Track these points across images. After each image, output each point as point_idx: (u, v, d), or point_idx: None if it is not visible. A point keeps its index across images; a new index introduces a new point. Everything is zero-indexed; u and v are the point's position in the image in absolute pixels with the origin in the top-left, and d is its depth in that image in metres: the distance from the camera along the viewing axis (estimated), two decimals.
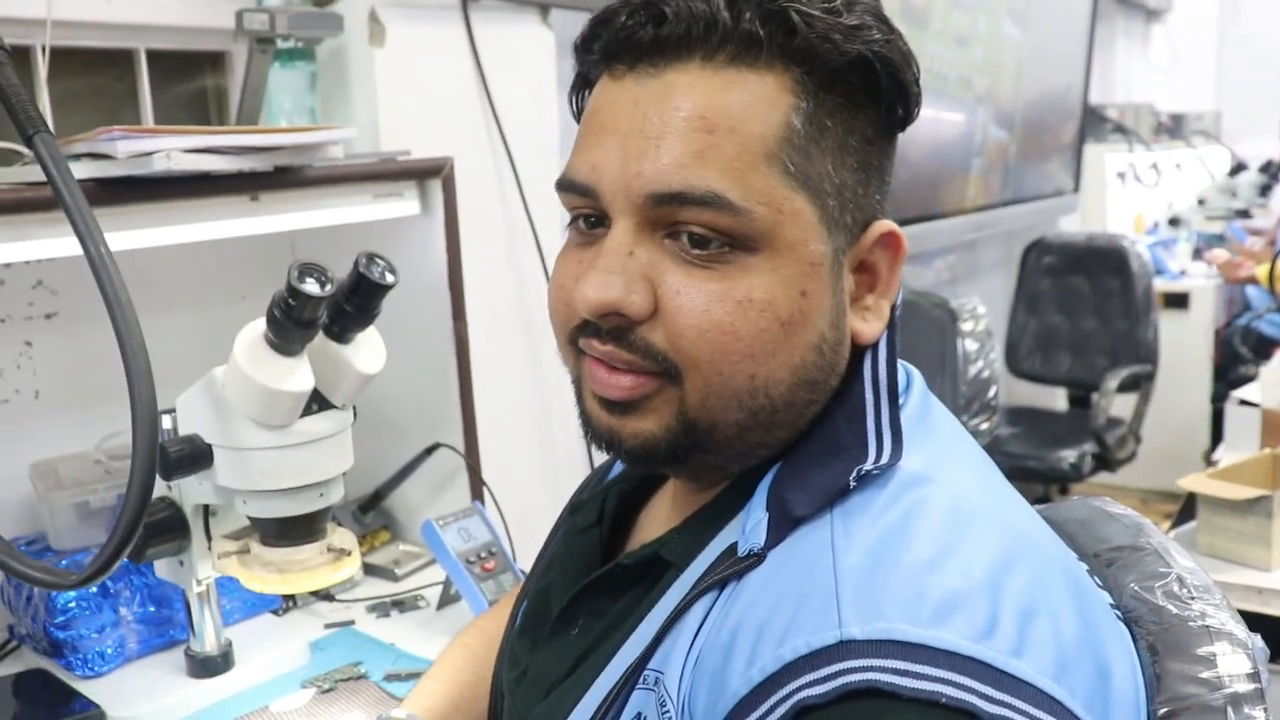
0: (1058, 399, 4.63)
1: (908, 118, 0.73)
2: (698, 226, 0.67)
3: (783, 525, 0.67)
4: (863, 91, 0.70)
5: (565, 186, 0.73)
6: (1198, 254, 5.04)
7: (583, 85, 0.77)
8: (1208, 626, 0.76)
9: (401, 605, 1.59)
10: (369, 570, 1.69)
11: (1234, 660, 0.75)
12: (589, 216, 0.72)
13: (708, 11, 0.67)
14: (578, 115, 0.77)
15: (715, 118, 0.67)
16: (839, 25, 0.67)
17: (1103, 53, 5.41)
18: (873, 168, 0.72)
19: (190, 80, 1.82)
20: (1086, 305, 4.23)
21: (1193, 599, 0.79)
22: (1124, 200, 5.18)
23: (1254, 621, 0.80)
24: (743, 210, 0.66)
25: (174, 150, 1.20)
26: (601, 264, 0.68)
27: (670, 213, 0.67)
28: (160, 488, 1.24)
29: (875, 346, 0.74)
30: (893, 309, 0.76)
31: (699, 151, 0.66)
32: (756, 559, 0.66)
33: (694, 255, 0.67)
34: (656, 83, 0.68)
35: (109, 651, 1.36)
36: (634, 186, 0.67)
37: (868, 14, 0.69)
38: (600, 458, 0.90)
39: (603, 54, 0.72)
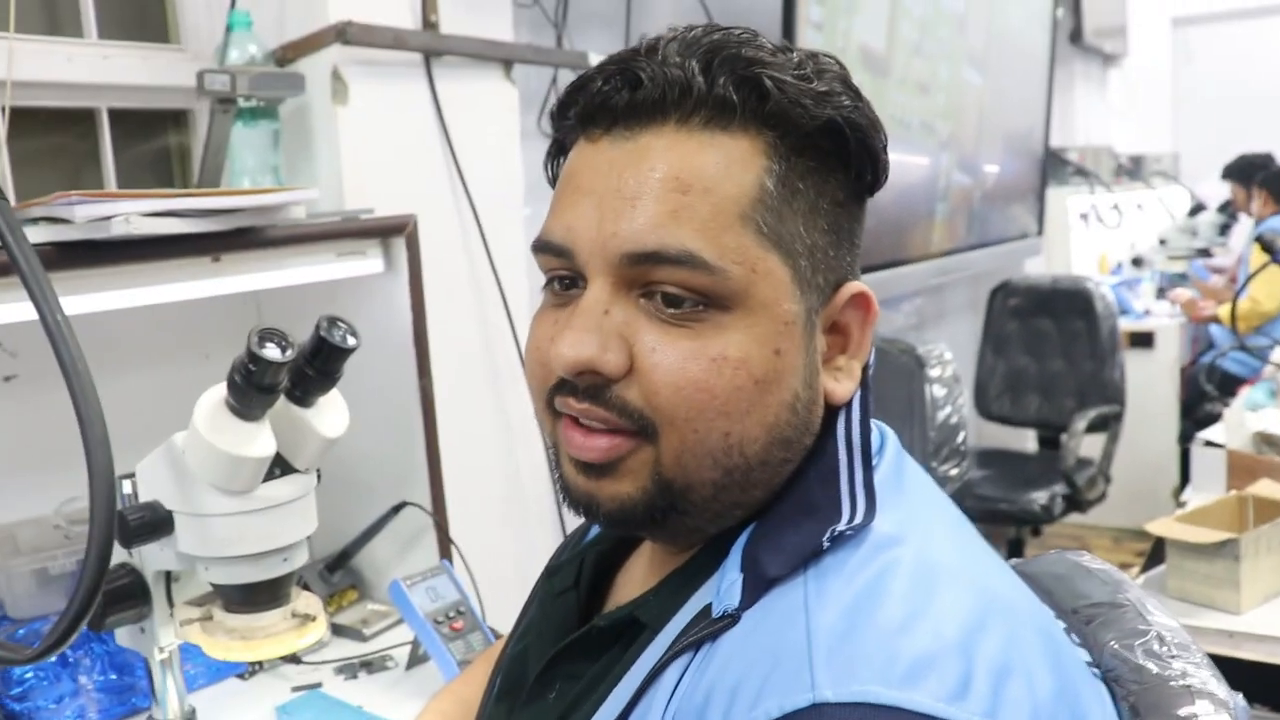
0: (1027, 440, 4.65)
1: (876, 183, 0.75)
2: (672, 285, 0.68)
3: (757, 586, 0.67)
4: (833, 156, 0.71)
5: (541, 248, 0.73)
6: (1161, 293, 5.10)
7: (558, 152, 0.78)
8: (1189, 686, 0.76)
9: (370, 666, 1.57)
10: (337, 630, 1.67)
11: None
12: (564, 278, 0.73)
13: (682, 77, 0.68)
14: (553, 181, 0.78)
15: (690, 178, 0.68)
16: (810, 91, 0.69)
17: (1062, 96, 5.50)
18: (843, 230, 0.73)
19: (153, 138, 1.82)
20: (1053, 346, 4.27)
21: (1173, 657, 0.79)
22: (1087, 241, 5.25)
23: (1225, 665, 0.80)
24: (717, 269, 0.67)
25: (133, 214, 1.19)
26: (577, 323, 0.69)
27: (645, 272, 0.68)
28: (120, 554, 1.22)
29: (849, 407, 0.75)
30: (865, 369, 0.76)
31: (674, 211, 0.67)
32: (731, 620, 0.66)
33: (669, 314, 0.68)
34: (632, 145, 0.70)
35: None
36: (610, 246, 0.68)
37: (836, 81, 0.71)
38: (571, 514, 0.90)
39: (579, 118, 0.73)
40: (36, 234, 1.19)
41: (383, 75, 1.78)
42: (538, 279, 0.77)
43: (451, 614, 1.48)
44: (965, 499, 3.42)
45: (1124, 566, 0.90)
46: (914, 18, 3.33)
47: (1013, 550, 3.96)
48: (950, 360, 3.02)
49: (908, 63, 3.33)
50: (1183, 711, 0.74)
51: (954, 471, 2.90)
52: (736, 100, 0.68)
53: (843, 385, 0.74)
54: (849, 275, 0.74)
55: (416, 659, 1.55)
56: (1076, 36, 5.63)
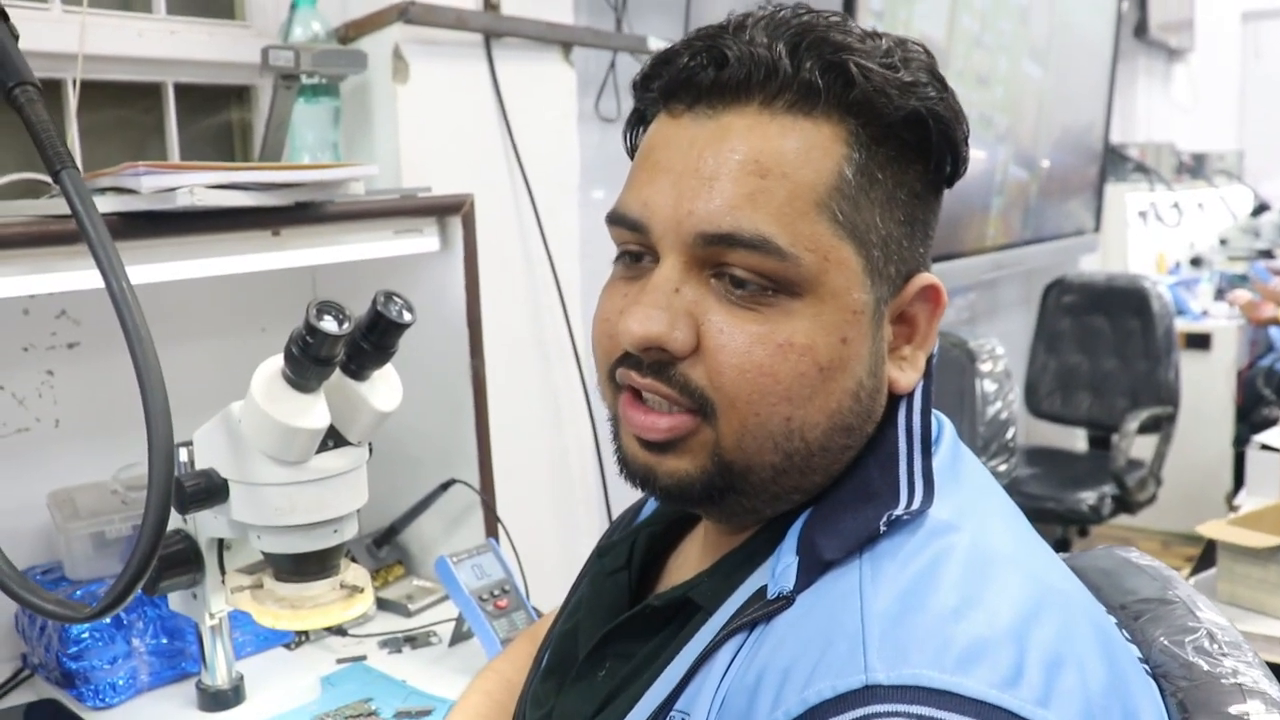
0: (1078, 440, 4.59)
1: (955, 175, 0.75)
2: (744, 269, 0.68)
3: (812, 569, 0.67)
4: (914, 147, 0.71)
5: (616, 220, 0.74)
6: (1220, 294, 5.01)
7: (638, 122, 0.78)
8: (1240, 684, 0.75)
9: (414, 641, 1.59)
10: (382, 605, 1.69)
11: None
12: (636, 252, 0.73)
13: (769, 58, 0.68)
14: (631, 151, 0.78)
15: (769, 162, 0.68)
16: (896, 80, 0.69)
17: (1124, 92, 5.40)
18: (918, 221, 0.73)
19: (216, 114, 1.84)
20: (1107, 345, 4.21)
21: (1224, 655, 0.78)
22: (1145, 240, 5.15)
23: (1275, 672, 0.79)
24: (790, 255, 0.67)
25: (197, 186, 1.21)
26: (647, 299, 0.69)
27: (718, 253, 0.68)
28: (175, 520, 1.25)
29: (910, 396, 0.75)
30: (929, 360, 0.76)
31: (751, 195, 0.67)
32: (785, 601, 0.66)
33: (738, 296, 0.68)
34: (714, 124, 0.70)
35: (120, 683, 1.36)
36: (685, 225, 0.68)
37: (923, 71, 0.71)
38: (617, 496, 0.90)
39: (662, 92, 0.73)
40: (104, 204, 1.21)
41: (443, 55, 1.79)
42: (591, 262, 0.78)
43: (496, 592, 1.50)
44: (1013, 496, 3.37)
45: None
46: (975, 9, 3.29)
47: (1059, 550, 3.89)
48: (1002, 355, 2.99)
49: (967, 54, 3.29)
50: (1234, 709, 0.74)
51: (1002, 468, 2.88)
52: (822, 85, 0.68)
53: (907, 375, 0.74)
54: (920, 266, 0.74)
55: (460, 636, 1.57)
56: (1141, 30, 5.53)
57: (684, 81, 0.71)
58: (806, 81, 0.68)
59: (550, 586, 1.13)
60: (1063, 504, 3.63)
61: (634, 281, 0.73)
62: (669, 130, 0.72)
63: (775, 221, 0.67)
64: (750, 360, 0.67)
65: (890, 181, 0.71)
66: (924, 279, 0.74)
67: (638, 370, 0.71)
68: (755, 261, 0.67)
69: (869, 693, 0.58)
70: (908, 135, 0.70)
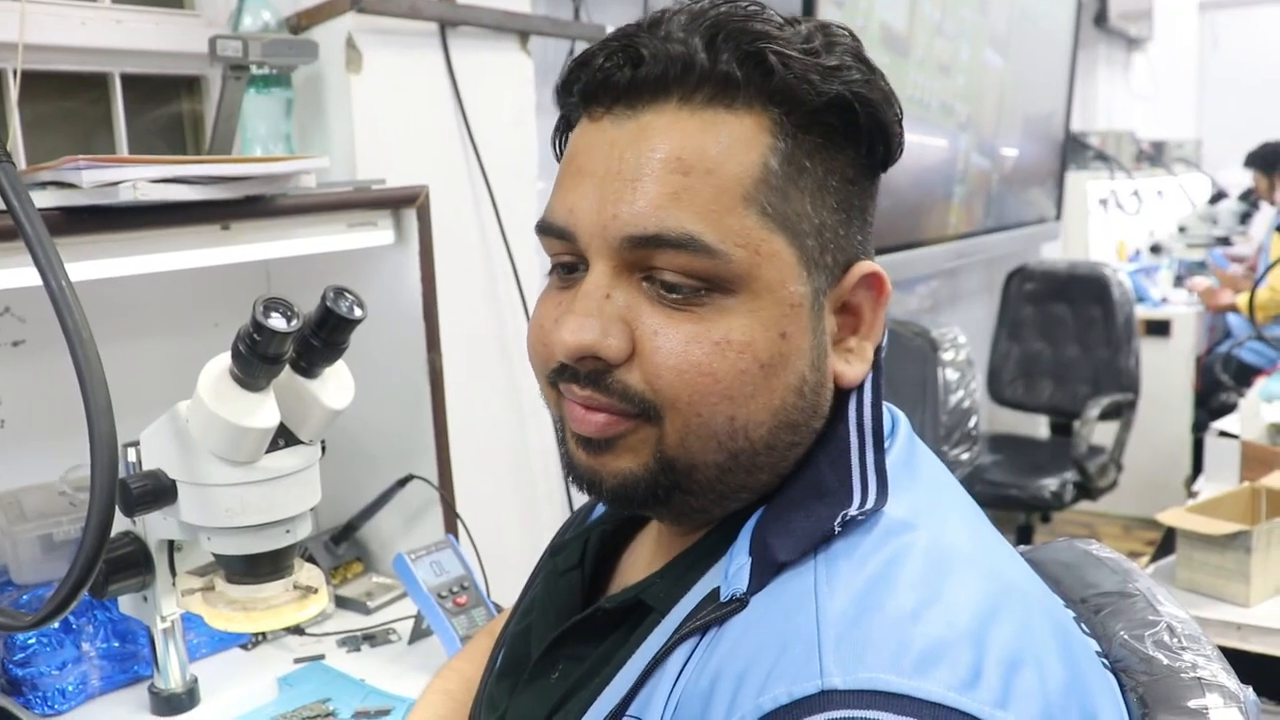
0: (1040, 426, 4.63)
1: (889, 158, 0.73)
2: (673, 270, 0.66)
3: (765, 570, 0.66)
4: (842, 132, 0.70)
5: (544, 230, 0.72)
6: (1179, 281, 5.06)
7: (565, 128, 0.77)
8: (1199, 678, 0.75)
9: (373, 639, 1.57)
10: (341, 603, 1.67)
11: (1226, 714, 0.73)
12: (569, 263, 0.72)
13: (685, 53, 0.67)
14: (559, 158, 0.76)
15: (691, 159, 0.66)
16: (817, 66, 0.67)
17: (1084, 80, 5.44)
18: (854, 208, 0.72)
19: (166, 104, 1.81)
20: (1068, 332, 4.24)
21: (1184, 649, 0.78)
22: (1106, 227, 5.20)
23: (1232, 658, 0.79)
24: (719, 252, 0.66)
25: (140, 180, 1.18)
26: (578, 307, 0.68)
27: (647, 255, 0.67)
28: (124, 522, 1.22)
29: (860, 389, 0.74)
30: (877, 351, 0.75)
31: (675, 193, 0.66)
32: (739, 604, 0.65)
33: (671, 298, 0.67)
34: (633, 124, 0.68)
35: (70, 689, 1.34)
36: (610, 229, 0.67)
37: (847, 54, 0.69)
38: (578, 490, 0.89)
39: (581, 96, 0.72)
40: (44, 199, 1.18)
41: (398, 44, 1.76)
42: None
43: (455, 589, 1.48)
44: (975, 484, 3.41)
45: (1133, 555, 0.89)
46: None
47: (1022, 536, 3.95)
48: (964, 344, 3.00)
49: (929, 43, 3.29)
50: (1193, 703, 0.74)
51: (965, 456, 2.89)
52: (740, 76, 0.67)
53: (853, 368, 0.73)
54: (860, 254, 0.73)
55: (419, 633, 1.55)
56: (1101, 19, 5.57)
57: (601, 83, 0.70)
58: (724, 74, 0.67)
59: (511, 582, 1.12)
60: (1025, 490, 3.66)
61: (567, 290, 0.71)
62: (590, 134, 0.71)
63: (701, 219, 0.66)
64: (687, 360, 0.66)
65: (820, 169, 0.69)
66: (865, 266, 0.72)
67: (576, 383, 0.69)
68: (684, 261, 0.66)
69: (825, 698, 0.56)
70: (834, 120, 0.69)
